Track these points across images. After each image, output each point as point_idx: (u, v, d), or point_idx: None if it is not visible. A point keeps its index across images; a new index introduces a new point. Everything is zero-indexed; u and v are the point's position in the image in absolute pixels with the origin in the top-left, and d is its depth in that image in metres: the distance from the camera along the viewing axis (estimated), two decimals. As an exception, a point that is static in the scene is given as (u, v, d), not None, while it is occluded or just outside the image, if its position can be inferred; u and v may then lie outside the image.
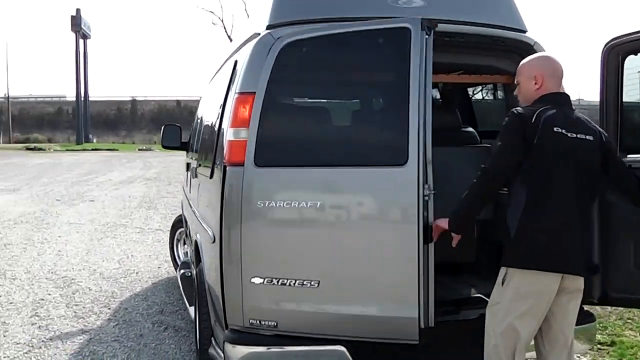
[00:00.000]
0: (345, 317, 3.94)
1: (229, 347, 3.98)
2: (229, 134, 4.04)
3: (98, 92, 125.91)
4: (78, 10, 56.50)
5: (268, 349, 3.94)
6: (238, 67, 4.35)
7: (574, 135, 3.60)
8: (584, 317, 4.32)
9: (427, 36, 3.92)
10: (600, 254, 4.34)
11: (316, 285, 3.87)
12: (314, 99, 4.64)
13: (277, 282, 3.90)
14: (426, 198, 3.85)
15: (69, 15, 56.72)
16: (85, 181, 20.84)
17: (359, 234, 3.94)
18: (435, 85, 6.86)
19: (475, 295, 4.63)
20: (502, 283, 3.65)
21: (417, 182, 3.83)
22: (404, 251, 3.87)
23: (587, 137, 3.65)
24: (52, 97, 73.01)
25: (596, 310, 6.47)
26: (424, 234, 3.85)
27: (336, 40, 4.09)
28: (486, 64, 4.60)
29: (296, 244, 3.97)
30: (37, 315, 6.70)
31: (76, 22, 56.58)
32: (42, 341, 5.96)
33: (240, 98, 4.05)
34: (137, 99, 70.54)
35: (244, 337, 3.99)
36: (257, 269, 3.93)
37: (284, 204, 3.89)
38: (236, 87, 4.15)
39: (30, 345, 5.86)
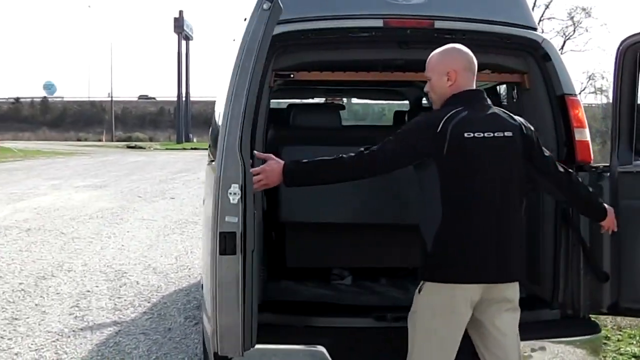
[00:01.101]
0: None
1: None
2: None
3: (199, 92, 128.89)
4: (181, 12, 58.27)
5: None
6: None
7: (491, 135, 3.35)
8: (589, 328, 4.12)
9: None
10: (612, 260, 4.12)
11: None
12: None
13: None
14: (233, 201, 3.21)
15: (171, 18, 58.62)
16: (172, 179, 21.36)
17: None
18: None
19: None
20: (419, 292, 3.47)
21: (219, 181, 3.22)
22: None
23: (506, 133, 3.39)
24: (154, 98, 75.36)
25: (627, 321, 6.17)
26: (219, 243, 3.19)
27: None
28: (492, 62, 4.42)
29: None
30: (78, 306, 6.92)
31: (179, 24, 58.40)
32: (73, 331, 6.15)
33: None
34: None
35: None
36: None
37: None
38: None
39: (60, 334, 6.06)
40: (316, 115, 4.96)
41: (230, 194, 3.18)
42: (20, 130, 73.38)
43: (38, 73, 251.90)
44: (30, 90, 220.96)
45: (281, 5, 3.39)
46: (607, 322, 6.19)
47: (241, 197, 3.17)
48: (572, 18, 27.01)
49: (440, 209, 3.33)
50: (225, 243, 3.19)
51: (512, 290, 3.51)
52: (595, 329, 4.15)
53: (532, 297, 4.38)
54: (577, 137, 4.18)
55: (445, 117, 3.34)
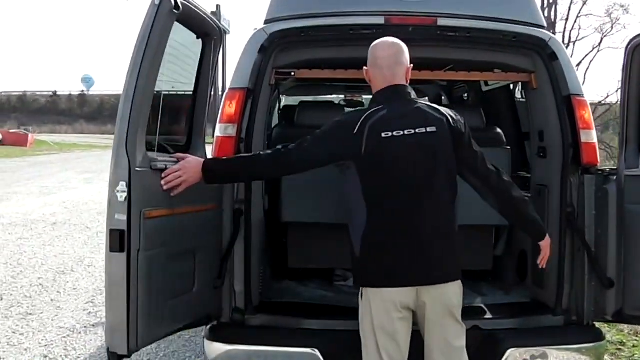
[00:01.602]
0: None
1: (206, 343, 3.97)
2: None
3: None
4: (218, 7, 58.30)
5: (234, 346, 3.89)
6: None
7: (411, 132, 3.19)
8: (592, 336, 4.01)
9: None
10: (617, 267, 4.00)
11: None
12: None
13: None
14: (120, 199, 3.17)
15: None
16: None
17: None
18: (454, 84, 6.63)
19: (476, 305, 4.38)
20: (361, 297, 3.36)
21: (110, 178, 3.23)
22: None
23: (428, 129, 3.22)
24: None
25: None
26: (110, 240, 3.20)
27: None
28: (499, 61, 4.31)
29: None
30: (92, 302, 6.96)
31: (216, 18, 58.62)
32: (85, 327, 6.18)
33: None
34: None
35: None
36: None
37: None
38: None
39: (72, 330, 6.10)
40: (319, 113, 4.89)
41: (118, 191, 3.18)
42: (59, 124, 74.50)
43: (76, 67, 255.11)
44: (69, 83, 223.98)
45: (175, 3, 3.28)
46: (623, 327, 6.03)
47: (127, 195, 3.16)
48: (610, 15, 26.43)
49: (365, 211, 3.24)
50: (113, 240, 3.20)
51: (450, 294, 3.32)
52: (599, 336, 4.03)
53: (536, 303, 4.28)
54: (584, 138, 4.05)
55: (363, 118, 3.23)
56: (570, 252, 4.09)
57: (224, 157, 3.52)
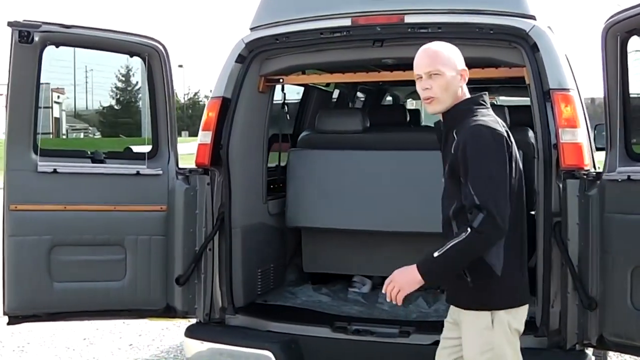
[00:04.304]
0: None
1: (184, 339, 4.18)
2: None
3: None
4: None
5: (202, 343, 4.04)
6: None
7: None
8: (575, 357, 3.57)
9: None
10: (600, 285, 3.51)
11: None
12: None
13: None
14: None
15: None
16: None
17: None
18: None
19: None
20: (492, 325, 2.96)
21: None
22: None
23: None
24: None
25: None
26: None
27: None
28: (484, 56, 3.92)
29: None
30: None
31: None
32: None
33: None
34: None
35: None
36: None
37: None
38: None
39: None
40: (339, 119, 4.84)
41: None
42: None
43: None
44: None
45: None
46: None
47: None
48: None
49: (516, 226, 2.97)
50: None
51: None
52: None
53: None
54: (564, 138, 3.60)
55: (502, 123, 2.99)
56: (557, 266, 3.67)
57: (435, 253, 2.84)
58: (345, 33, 4.03)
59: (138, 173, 4.04)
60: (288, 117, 5.15)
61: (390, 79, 4.84)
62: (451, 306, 3.17)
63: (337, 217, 4.60)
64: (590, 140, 3.93)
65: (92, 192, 3.97)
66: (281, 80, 4.47)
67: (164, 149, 4.15)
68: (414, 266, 2.89)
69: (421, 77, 3.00)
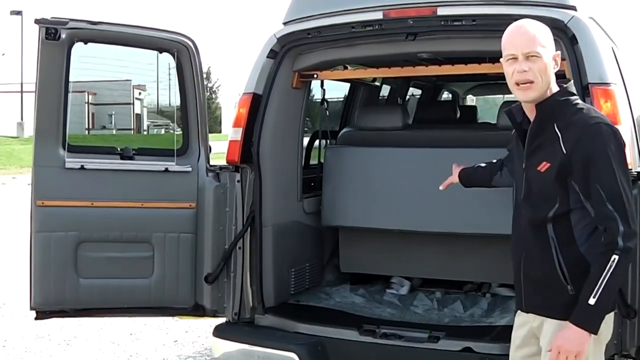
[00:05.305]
0: None
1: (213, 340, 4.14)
2: None
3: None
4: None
5: (228, 342, 3.99)
6: None
7: None
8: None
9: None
10: (637, 294, 3.31)
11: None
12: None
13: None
14: None
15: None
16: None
17: None
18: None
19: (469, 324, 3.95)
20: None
21: None
22: None
23: None
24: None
25: None
26: None
27: None
28: None
29: None
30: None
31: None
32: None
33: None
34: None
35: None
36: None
37: None
38: None
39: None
40: (377, 115, 4.71)
41: None
42: None
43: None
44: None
45: None
46: None
47: None
48: None
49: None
50: None
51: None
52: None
53: None
54: (603, 135, 3.39)
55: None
56: None
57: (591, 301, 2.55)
58: (377, 26, 3.92)
59: (167, 170, 4.02)
60: (327, 114, 5.04)
61: (424, 73, 4.70)
62: (521, 317, 2.89)
63: (374, 217, 4.49)
64: (636, 139, 3.70)
65: (120, 188, 3.96)
66: (315, 76, 4.38)
67: (194, 146, 4.10)
68: (572, 326, 2.57)
69: (516, 58, 2.70)
